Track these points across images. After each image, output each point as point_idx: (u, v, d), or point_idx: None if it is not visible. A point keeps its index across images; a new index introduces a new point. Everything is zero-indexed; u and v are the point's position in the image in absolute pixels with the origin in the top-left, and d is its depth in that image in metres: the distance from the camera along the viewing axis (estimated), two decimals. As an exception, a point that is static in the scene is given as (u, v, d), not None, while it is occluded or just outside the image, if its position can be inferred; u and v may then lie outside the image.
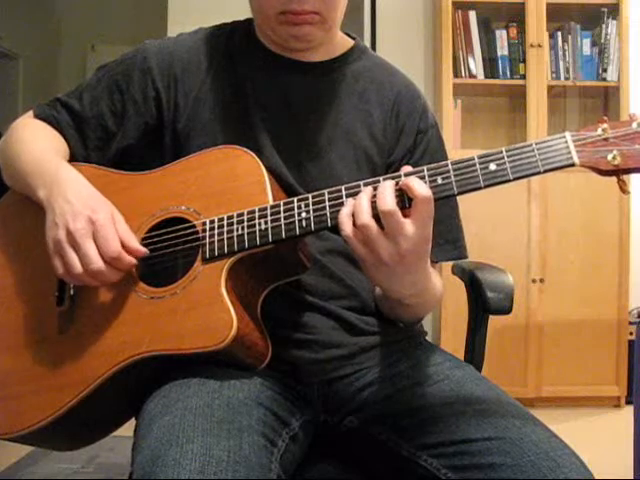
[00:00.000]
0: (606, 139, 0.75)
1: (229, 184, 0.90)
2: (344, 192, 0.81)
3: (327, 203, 0.82)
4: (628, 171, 0.75)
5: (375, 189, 0.78)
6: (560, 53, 2.92)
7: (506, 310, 1.11)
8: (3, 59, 5.10)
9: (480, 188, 0.78)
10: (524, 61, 2.89)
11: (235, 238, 0.85)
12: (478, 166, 0.77)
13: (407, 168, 0.81)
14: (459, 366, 0.98)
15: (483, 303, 1.12)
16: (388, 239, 0.76)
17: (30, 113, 1.07)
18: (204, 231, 0.88)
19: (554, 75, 2.92)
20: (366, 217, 0.76)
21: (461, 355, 1.12)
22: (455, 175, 0.78)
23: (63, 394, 0.87)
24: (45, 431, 0.89)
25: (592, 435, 2.46)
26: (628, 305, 2.82)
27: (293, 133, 1.00)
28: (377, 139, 1.02)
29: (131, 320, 0.87)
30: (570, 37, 2.92)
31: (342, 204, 0.81)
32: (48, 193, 0.91)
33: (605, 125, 0.75)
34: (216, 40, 1.05)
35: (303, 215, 0.83)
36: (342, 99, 1.03)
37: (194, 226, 0.89)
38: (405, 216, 0.76)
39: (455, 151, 2.75)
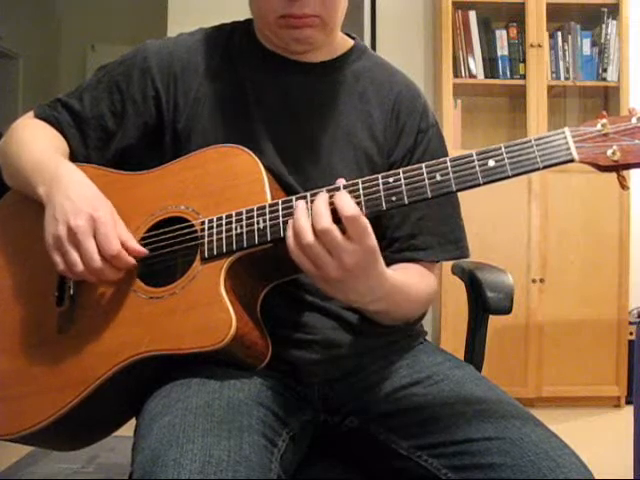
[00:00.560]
0: (606, 134, 0.75)
1: (228, 183, 0.90)
2: (342, 190, 0.81)
3: None
4: (628, 166, 0.74)
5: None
6: (560, 53, 2.92)
7: (506, 310, 1.11)
8: (3, 59, 5.10)
9: (479, 185, 0.77)
10: (524, 61, 2.89)
11: (234, 237, 0.85)
12: (477, 162, 0.77)
13: (342, 181, 0.81)
14: (459, 366, 0.98)
15: (483, 303, 1.12)
16: (332, 256, 0.76)
17: (30, 113, 1.07)
18: (203, 230, 0.88)
19: (554, 75, 2.92)
20: (309, 237, 0.76)
21: (461, 355, 1.12)
22: (453, 172, 0.77)
23: (63, 394, 0.87)
24: (46, 432, 0.89)
25: (592, 435, 2.46)
26: (628, 305, 2.81)
27: (293, 133, 1.00)
28: (377, 139, 1.02)
29: (130, 320, 0.87)
30: (570, 37, 2.92)
31: None
32: (48, 189, 0.91)
33: (604, 120, 0.75)
34: (216, 40, 1.05)
35: None
36: (342, 99, 1.03)
37: (193, 225, 0.89)
38: (344, 231, 0.76)
39: (455, 151, 2.73)
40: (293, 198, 0.83)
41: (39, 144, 1.00)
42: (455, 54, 2.90)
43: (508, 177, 0.76)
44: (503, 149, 0.77)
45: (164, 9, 3.19)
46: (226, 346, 0.81)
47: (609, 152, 0.74)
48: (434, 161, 0.79)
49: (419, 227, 1.01)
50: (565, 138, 0.75)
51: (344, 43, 1.08)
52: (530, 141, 0.76)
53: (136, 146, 1.03)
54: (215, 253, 0.86)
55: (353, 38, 1.10)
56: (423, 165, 0.79)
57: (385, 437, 0.90)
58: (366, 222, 0.76)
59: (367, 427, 0.93)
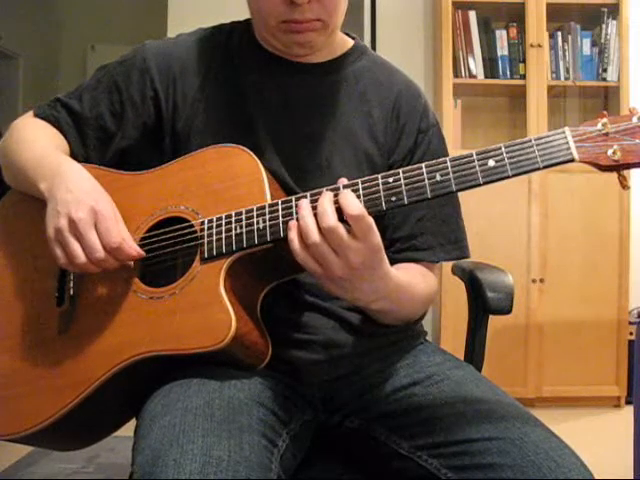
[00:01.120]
0: (606, 134, 0.74)
1: (227, 183, 0.90)
2: (342, 190, 0.81)
3: None
4: (628, 166, 0.74)
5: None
6: (560, 53, 2.92)
7: (506, 310, 1.11)
8: (3, 59, 5.10)
9: (479, 185, 0.77)
10: (524, 61, 2.89)
11: (233, 237, 0.85)
12: (477, 162, 0.76)
13: (343, 180, 0.81)
14: (459, 366, 0.98)
15: (483, 303, 1.12)
16: (337, 255, 0.76)
17: (30, 113, 1.07)
18: (202, 231, 0.88)
19: (554, 75, 2.92)
20: (315, 236, 0.76)
21: (461, 355, 1.12)
22: (453, 172, 0.77)
23: (63, 395, 0.87)
24: (46, 432, 0.89)
25: (592, 435, 2.46)
26: (628, 305, 2.81)
27: (293, 134, 0.99)
28: (378, 139, 1.02)
29: (130, 320, 0.87)
30: (570, 37, 2.92)
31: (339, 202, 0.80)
32: (49, 185, 0.91)
33: (605, 120, 0.75)
34: (215, 40, 1.05)
35: None
36: (342, 100, 1.03)
37: (193, 226, 0.89)
38: (348, 230, 0.76)
39: (455, 151, 2.72)
40: (293, 198, 0.83)
41: (40, 142, 1.00)
42: (455, 54, 2.90)
43: (508, 177, 0.75)
44: (503, 149, 0.76)
45: (164, 9, 3.19)
46: (226, 346, 0.80)
47: (610, 152, 0.74)
48: (434, 161, 0.78)
49: (420, 227, 1.01)
50: (565, 138, 0.75)
51: (344, 43, 1.08)
52: (530, 141, 0.76)
53: (135, 146, 1.03)
54: (215, 253, 0.86)
55: (353, 38, 1.10)
56: (423, 165, 0.78)
57: (385, 437, 0.90)
58: (371, 221, 0.76)
59: (367, 427, 0.93)
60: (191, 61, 1.03)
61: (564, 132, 0.75)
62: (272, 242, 0.84)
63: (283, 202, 0.84)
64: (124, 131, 1.02)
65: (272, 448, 0.79)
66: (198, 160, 0.94)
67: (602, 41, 2.91)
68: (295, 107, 1.01)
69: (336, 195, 0.78)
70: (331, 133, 1.00)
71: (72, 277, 0.93)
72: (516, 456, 0.77)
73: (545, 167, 0.75)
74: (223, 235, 0.86)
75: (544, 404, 2.78)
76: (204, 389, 0.82)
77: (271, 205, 0.84)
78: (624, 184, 0.76)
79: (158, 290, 0.87)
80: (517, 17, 2.90)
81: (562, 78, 2.92)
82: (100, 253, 0.85)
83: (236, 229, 0.85)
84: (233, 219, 0.86)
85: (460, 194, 0.85)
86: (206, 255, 0.86)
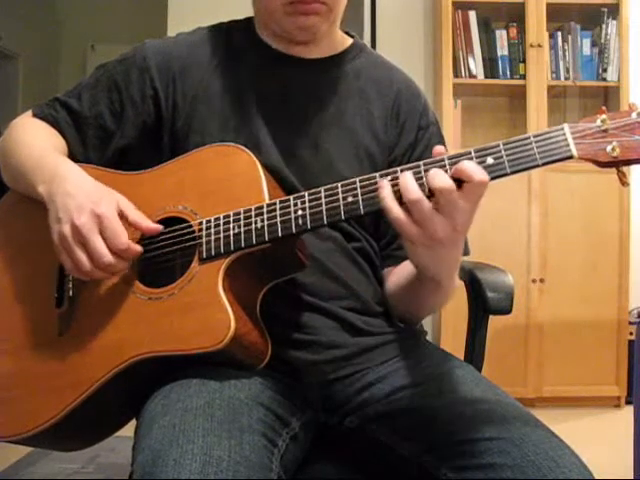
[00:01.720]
0: (605, 130, 0.74)
1: (225, 183, 0.90)
2: (340, 188, 0.81)
3: (323, 200, 0.81)
4: (628, 162, 0.74)
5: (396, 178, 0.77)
6: (560, 53, 2.92)
7: (506, 310, 1.11)
8: (3, 59, 5.10)
9: None
10: (524, 61, 2.89)
11: (232, 237, 0.85)
12: (475, 160, 0.76)
13: (440, 149, 0.79)
14: (459, 366, 0.98)
15: (483, 303, 1.12)
16: (443, 215, 0.75)
17: (29, 112, 1.07)
18: (201, 231, 0.87)
19: (554, 75, 2.92)
20: (417, 193, 0.74)
21: (461, 355, 1.12)
22: (452, 169, 0.77)
23: (64, 396, 0.87)
24: (47, 433, 0.89)
25: (592, 435, 2.46)
26: (628, 305, 2.81)
27: (293, 131, 0.99)
28: (378, 136, 1.02)
29: (129, 321, 0.87)
30: (570, 37, 2.92)
31: (338, 200, 0.80)
32: (48, 188, 0.91)
33: (604, 116, 0.74)
34: (215, 39, 1.05)
35: (299, 213, 0.82)
36: (343, 96, 1.03)
37: (191, 226, 0.89)
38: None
39: (455, 151, 2.73)
40: (291, 198, 0.83)
41: (38, 143, 1.00)
42: (455, 54, 2.90)
43: (507, 174, 0.75)
44: (502, 146, 0.76)
45: (164, 9, 3.19)
46: (225, 347, 0.80)
47: (609, 148, 0.73)
48: (432, 159, 0.78)
49: None
50: (564, 134, 0.74)
51: (343, 41, 1.08)
52: (529, 138, 0.75)
53: (135, 146, 1.03)
54: (213, 253, 0.85)
55: (352, 36, 1.10)
56: (421, 163, 0.78)
57: (385, 437, 0.90)
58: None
59: (367, 427, 0.93)
60: (191, 60, 1.03)
61: (563, 129, 0.75)
62: (270, 242, 0.84)
63: (281, 202, 0.84)
64: (123, 130, 1.02)
65: (272, 448, 0.79)
66: (196, 159, 0.93)
67: (602, 41, 2.91)
68: (294, 101, 1.01)
69: (418, 172, 0.77)
70: (331, 129, 1.00)
71: (71, 278, 0.92)
72: (516, 456, 0.77)
73: (544, 164, 0.75)
74: (221, 235, 0.86)
75: (544, 404, 2.77)
76: (204, 389, 0.82)
77: (269, 205, 0.84)
78: (623, 180, 0.75)
79: (157, 291, 0.87)
80: (517, 17, 2.90)
81: (562, 78, 2.92)
82: (106, 258, 0.84)
83: (234, 229, 0.85)
84: (231, 219, 0.86)
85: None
86: (204, 255, 0.86)
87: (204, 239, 0.87)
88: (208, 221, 0.87)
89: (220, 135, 0.97)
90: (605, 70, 2.91)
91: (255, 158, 0.89)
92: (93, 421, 0.95)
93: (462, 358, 1.11)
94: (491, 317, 1.15)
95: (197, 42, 1.05)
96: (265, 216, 0.84)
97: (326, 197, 0.81)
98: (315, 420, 0.95)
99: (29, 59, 5.23)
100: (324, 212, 0.81)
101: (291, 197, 0.83)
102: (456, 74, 2.89)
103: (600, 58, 2.92)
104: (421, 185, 0.75)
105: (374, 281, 1.03)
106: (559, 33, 2.92)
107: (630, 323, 2.79)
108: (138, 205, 0.93)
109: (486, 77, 2.93)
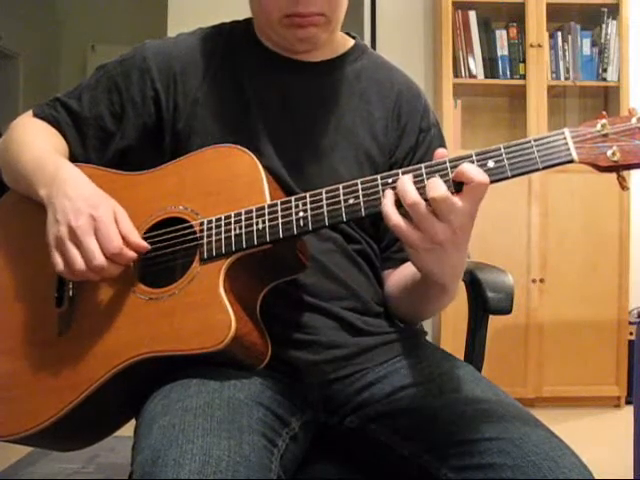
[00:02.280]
0: (605, 135, 0.74)
1: (227, 183, 0.90)
2: (342, 190, 0.81)
3: (325, 202, 0.81)
4: (628, 167, 0.74)
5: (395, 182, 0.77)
6: (560, 53, 2.92)
7: (506, 310, 1.11)
8: (3, 59, 5.10)
9: None
10: (524, 61, 2.89)
11: (233, 238, 0.85)
12: (476, 163, 0.76)
13: (442, 152, 0.79)
14: (459, 366, 0.98)
15: (483, 303, 1.12)
16: (440, 219, 0.75)
17: (29, 113, 1.07)
18: (202, 231, 0.87)
19: (554, 75, 2.92)
20: (415, 196, 0.75)
21: (461, 355, 1.12)
22: (453, 173, 0.77)
23: (63, 396, 0.87)
24: (46, 433, 0.89)
25: (592, 435, 2.46)
26: (628, 305, 2.81)
27: (293, 133, 0.99)
28: (379, 139, 1.02)
29: (130, 321, 0.87)
30: (570, 37, 2.92)
31: (339, 202, 0.80)
32: (49, 191, 0.91)
33: (604, 121, 0.74)
34: (215, 40, 1.05)
35: (301, 214, 0.82)
36: (343, 99, 1.03)
37: (192, 226, 0.89)
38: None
39: (455, 151, 2.72)
40: (292, 199, 0.83)
41: (38, 144, 1.00)
42: (455, 54, 2.90)
43: (507, 178, 0.75)
44: (502, 150, 0.76)
45: (164, 9, 3.19)
46: (226, 347, 0.80)
47: (609, 152, 0.73)
48: (433, 162, 0.78)
49: None
50: (565, 139, 0.75)
51: (344, 42, 1.08)
52: (529, 142, 0.76)
53: (136, 147, 1.03)
54: (214, 254, 0.86)
55: (353, 37, 1.10)
56: (422, 166, 0.78)
57: (385, 437, 0.90)
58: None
59: (367, 427, 0.93)
60: (191, 61, 1.02)
61: (563, 133, 0.75)
62: (271, 243, 0.84)
63: (282, 203, 0.84)
64: (124, 131, 1.02)
65: (272, 448, 0.79)
66: (197, 160, 0.94)
67: (602, 41, 2.91)
68: (295, 105, 1.01)
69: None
70: (332, 132, 1.00)
71: (71, 278, 0.92)
72: (516, 456, 0.77)
73: (544, 168, 0.75)
74: (222, 236, 0.86)
75: (544, 404, 2.77)
76: (204, 389, 0.82)
77: (270, 206, 0.84)
78: (623, 185, 0.76)
79: (157, 291, 0.87)
80: (517, 17, 2.90)
81: (562, 78, 2.92)
82: (98, 260, 0.84)
83: (235, 230, 0.85)
84: (232, 220, 0.86)
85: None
86: (205, 256, 0.86)
87: (205, 239, 0.87)
88: (209, 221, 0.87)
89: (221, 138, 0.97)
90: (605, 70, 2.91)
91: (256, 159, 0.89)
92: (93, 421, 0.95)
93: (462, 358, 1.11)
94: (491, 317, 1.14)
95: (198, 43, 1.05)
96: (266, 217, 0.84)
97: (327, 199, 0.81)
98: (315, 420, 0.95)
99: (29, 59, 5.24)
100: (325, 214, 0.81)
101: (292, 198, 0.83)
102: (456, 74, 2.89)
103: (600, 58, 2.92)
104: (422, 188, 0.76)
105: (374, 282, 1.03)
106: (559, 33, 2.92)
107: (630, 323, 2.79)
108: (139, 205, 0.93)
109: (486, 77, 2.93)
